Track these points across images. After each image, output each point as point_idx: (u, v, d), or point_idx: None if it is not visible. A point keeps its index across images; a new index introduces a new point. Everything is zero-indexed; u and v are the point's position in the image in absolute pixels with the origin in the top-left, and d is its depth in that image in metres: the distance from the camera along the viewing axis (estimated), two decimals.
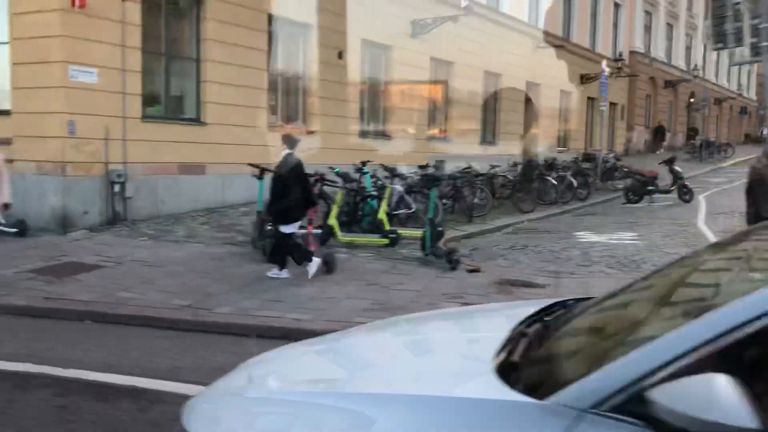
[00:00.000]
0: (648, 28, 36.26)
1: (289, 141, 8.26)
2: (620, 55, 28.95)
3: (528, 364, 1.89)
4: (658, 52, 37.32)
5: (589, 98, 29.82)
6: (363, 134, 16.82)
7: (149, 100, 11.91)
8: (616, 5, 32.16)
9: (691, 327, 1.63)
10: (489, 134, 22.57)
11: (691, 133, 40.70)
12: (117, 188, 11.12)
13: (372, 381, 2.09)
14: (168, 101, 12.48)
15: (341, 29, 15.47)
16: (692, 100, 41.96)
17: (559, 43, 25.75)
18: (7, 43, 10.86)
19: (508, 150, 22.91)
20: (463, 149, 20.07)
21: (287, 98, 14.89)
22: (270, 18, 13.85)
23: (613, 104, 32.71)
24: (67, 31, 10.35)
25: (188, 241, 10.34)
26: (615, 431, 1.53)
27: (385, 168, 12.26)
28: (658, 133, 37.32)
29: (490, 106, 22.45)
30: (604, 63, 20.86)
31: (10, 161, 10.46)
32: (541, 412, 1.59)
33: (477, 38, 20.40)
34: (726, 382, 1.47)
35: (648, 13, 35.99)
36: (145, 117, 11.64)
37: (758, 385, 1.58)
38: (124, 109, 11.18)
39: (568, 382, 1.65)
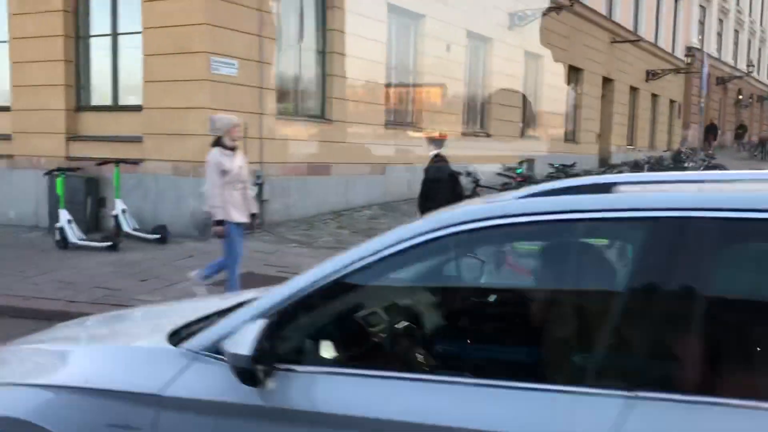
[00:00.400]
0: (701, 24, 35.34)
1: (435, 141, 7.86)
2: (689, 50, 28.03)
3: (189, 327, 2.37)
4: (711, 48, 36.40)
5: (653, 95, 28.90)
6: (464, 133, 15.95)
7: (281, 95, 11.05)
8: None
9: (266, 297, 2.13)
10: (570, 132, 21.67)
11: (740, 131, 39.77)
12: (255, 190, 10.25)
13: (102, 339, 2.74)
14: (297, 96, 11.61)
15: (449, 20, 14.59)
16: (740, 96, 41.03)
17: (632, 37, 24.86)
18: (139, 32, 10.00)
19: (587, 149, 22.10)
20: (551, 147, 19.29)
21: (399, 93, 14.01)
22: (388, 7, 12.99)
23: (671, 101, 31.86)
24: (210, 18, 9.49)
25: (343, 247, 9.46)
26: (213, 366, 2.03)
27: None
28: (710, 131, 36.36)
29: (571, 102, 21.57)
30: (705, 57, 19.98)
31: (136, 162, 9.66)
32: (174, 354, 2.14)
33: (562, 31, 19.52)
34: (253, 326, 1.92)
35: (702, 8, 35.06)
36: (279, 113, 10.79)
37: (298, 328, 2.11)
38: (261, 105, 10.33)
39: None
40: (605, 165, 21.81)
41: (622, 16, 24.47)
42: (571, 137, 21.62)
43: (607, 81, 23.71)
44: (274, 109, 10.60)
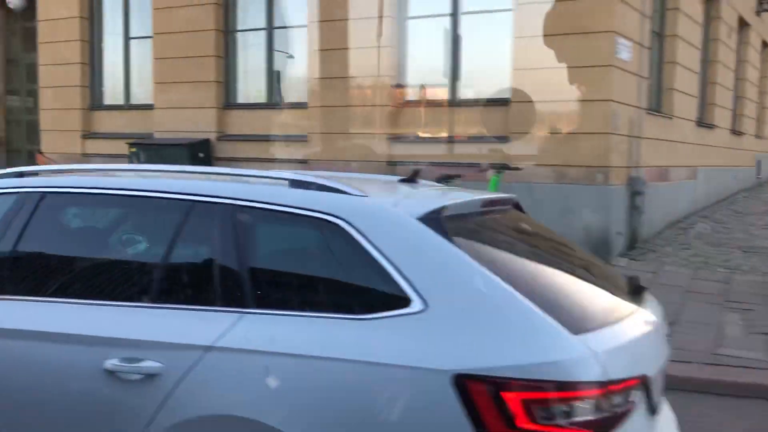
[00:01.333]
0: None
1: None
2: None
3: None
4: None
5: None
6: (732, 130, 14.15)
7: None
8: None
9: None
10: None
11: None
12: (637, 200, 8.50)
13: None
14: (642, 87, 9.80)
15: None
16: None
17: None
18: (509, 10, 8.27)
19: None
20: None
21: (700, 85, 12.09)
22: None
23: None
24: None
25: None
26: None
27: None
28: None
29: None
30: None
31: (517, 168, 7.83)
32: None
33: None
34: None
35: None
36: (649, 108, 9.04)
37: None
38: (639, 97, 8.57)
39: None
40: None
41: None
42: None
43: None
44: (646, 102, 8.84)
